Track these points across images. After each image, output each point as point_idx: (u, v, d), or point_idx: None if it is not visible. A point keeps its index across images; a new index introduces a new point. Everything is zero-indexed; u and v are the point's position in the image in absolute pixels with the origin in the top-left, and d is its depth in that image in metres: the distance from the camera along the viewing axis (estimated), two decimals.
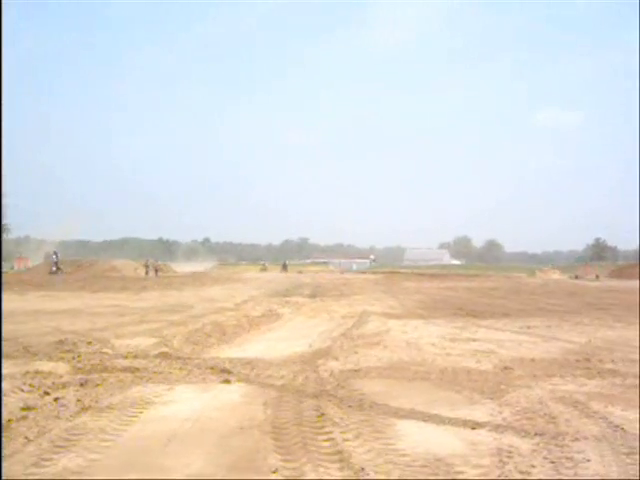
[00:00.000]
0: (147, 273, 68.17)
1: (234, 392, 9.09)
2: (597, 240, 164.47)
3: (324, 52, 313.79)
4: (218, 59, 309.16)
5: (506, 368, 11.01)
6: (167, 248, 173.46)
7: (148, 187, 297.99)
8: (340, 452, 6.24)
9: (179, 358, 11.79)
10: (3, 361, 10.48)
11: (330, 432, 6.92)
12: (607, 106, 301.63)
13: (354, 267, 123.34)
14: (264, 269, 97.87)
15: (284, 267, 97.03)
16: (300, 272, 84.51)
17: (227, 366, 10.95)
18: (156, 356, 11.96)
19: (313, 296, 32.02)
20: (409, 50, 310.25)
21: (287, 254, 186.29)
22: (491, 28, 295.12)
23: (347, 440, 6.63)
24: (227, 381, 9.76)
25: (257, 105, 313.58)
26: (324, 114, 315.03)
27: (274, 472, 5.71)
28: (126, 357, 11.87)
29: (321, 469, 5.76)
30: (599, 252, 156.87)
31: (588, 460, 6.00)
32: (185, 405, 8.31)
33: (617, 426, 7.25)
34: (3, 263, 66.19)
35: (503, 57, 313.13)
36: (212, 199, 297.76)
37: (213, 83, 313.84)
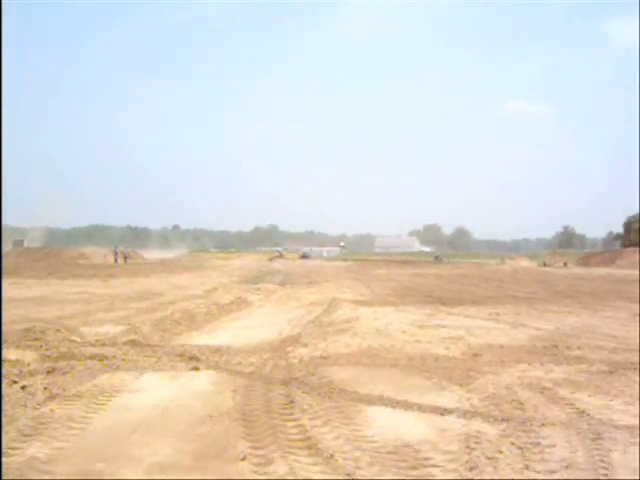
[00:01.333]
0: (116, 260, 67.66)
1: (203, 380, 9.07)
2: (565, 228, 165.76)
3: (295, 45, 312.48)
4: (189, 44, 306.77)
5: (475, 355, 11.08)
6: (137, 235, 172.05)
7: (118, 174, 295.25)
8: (309, 439, 6.25)
9: (148, 346, 11.74)
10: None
11: (299, 419, 6.94)
12: (577, 98, 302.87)
13: (324, 254, 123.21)
14: (279, 256, 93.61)
15: (303, 256, 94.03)
16: (270, 259, 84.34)
17: (196, 353, 10.93)
18: (124, 344, 11.89)
19: (283, 283, 32.02)
20: (377, 44, 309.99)
21: (257, 241, 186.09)
22: (462, 20, 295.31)
23: (316, 427, 6.65)
24: (196, 368, 9.73)
25: (228, 93, 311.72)
26: (292, 102, 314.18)
27: (242, 459, 5.71)
28: (94, 345, 11.80)
29: (290, 456, 5.77)
30: (567, 240, 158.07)
31: (554, 445, 6.06)
32: (153, 393, 8.27)
33: (583, 412, 7.33)
34: None
35: (471, 49, 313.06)
36: (181, 186, 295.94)
37: (183, 71, 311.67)
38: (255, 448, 5.99)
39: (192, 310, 17.82)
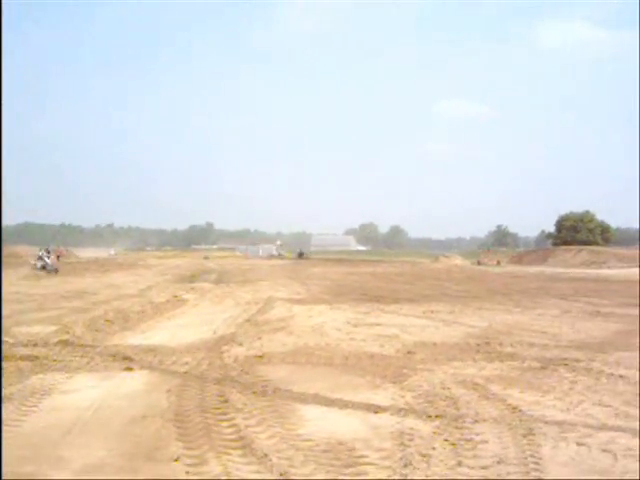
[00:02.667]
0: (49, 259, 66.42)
1: (137, 380, 8.99)
2: (499, 227, 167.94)
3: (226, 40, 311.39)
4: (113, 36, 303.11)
5: (409, 352, 11.17)
6: (70, 233, 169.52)
7: (51, 171, 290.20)
8: (243, 438, 6.24)
9: (80, 346, 11.58)
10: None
11: (233, 418, 6.92)
12: (512, 98, 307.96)
13: (261, 252, 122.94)
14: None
15: (300, 255, 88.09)
16: (206, 258, 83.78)
17: (129, 353, 10.82)
18: (56, 344, 11.72)
19: (219, 282, 31.84)
20: (314, 42, 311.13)
21: (193, 239, 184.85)
22: (396, 19, 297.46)
23: (250, 426, 6.64)
24: (129, 369, 9.64)
25: (159, 90, 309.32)
26: (228, 97, 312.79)
27: (176, 460, 5.67)
28: (26, 345, 11.60)
29: (224, 456, 5.75)
30: (501, 239, 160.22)
31: (486, 442, 6.14)
32: (86, 394, 8.17)
33: (515, 408, 7.45)
34: None
35: (407, 48, 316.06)
36: (116, 183, 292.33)
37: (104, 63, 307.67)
38: (189, 448, 5.96)
39: (126, 309, 17.65)
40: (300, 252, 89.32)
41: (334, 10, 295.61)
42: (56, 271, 39.35)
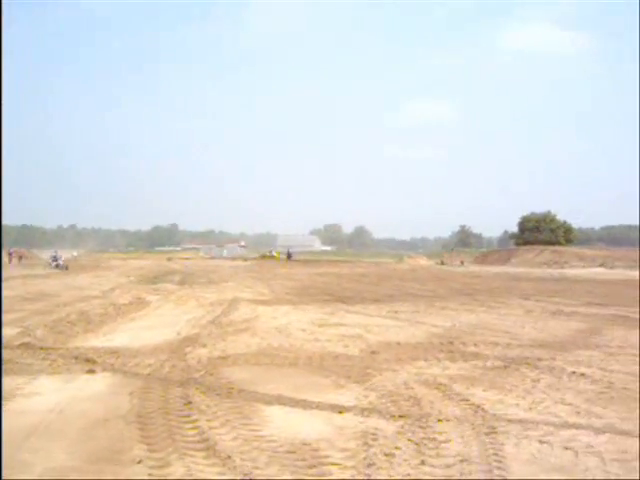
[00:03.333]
0: (10, 261, 65.75)
1: (99, 382, 8.89)
2: (462, 227, 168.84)
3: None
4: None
5: (373, 352, 11.19)
6: (32, 235, 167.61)
7: (11, 171, 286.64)
8: (206, 440, 6.19)
9: (42, 348, 11.42)
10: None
11: (197, 420, 6.87)
12: (476, 100, 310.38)
13: (225, 253, 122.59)
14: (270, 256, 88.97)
15: (289, 256, 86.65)
16: (170, 259, 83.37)
17: (92, 356, 10.70)
18: (18, 346, 11.55)
19: (182, 283, 31.70)
20: (276, 44, 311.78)
21: (157, 240, 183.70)
22: (357, 21, 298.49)
23: (214, 428, 6.60)
24: (92, 371, 9.53)
25: (124, 91, 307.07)
26: (192, 98, 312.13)
27: (138, 462, 5.61)
28: None
29: (187, 458, 5.70)
30: (464, 239, 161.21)
31: (450, 441, 6.16)
32: (48, 397, 8.05)
33: (478, 407, 7.49)
34: None
35: (373, 50, 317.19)
36: (80, 185, 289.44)
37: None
38: (152, 451, 5.90)
39: (89, 311, 17.48)
40: (289, 253, 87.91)
41: (291, 12, 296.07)
42: None
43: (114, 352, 11.10)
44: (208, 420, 6.88)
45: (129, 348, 11.55)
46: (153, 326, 15.06)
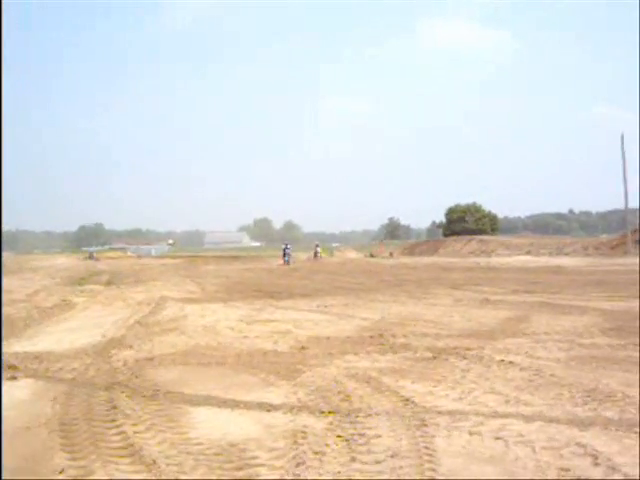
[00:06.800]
0: None
1: (21, 389, 8.60)
2: (391, 219, 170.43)
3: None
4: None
5: (302, 348, 11.11)
6: None
7: None
8: (132, 445, 6.02)
9: None
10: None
11: (121, 425, 6.68)
12: (400, 95, 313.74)
13: (153, 252, 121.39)
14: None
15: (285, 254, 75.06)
16: (90, 258, 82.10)
17: (14, 361, 10.38)
18: None
19: (109, 283, 31.20)
20: (201, 37, 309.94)
21: (83, 241, 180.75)
22: (281, 17, 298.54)
23: (139, 432, 6.42)
24: (13, 378, 9.22)
25: (49, 92, 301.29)
26: (115, 97, 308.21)
27: (60, 472, 5.42)
28: None
29: (111, 465, 5.53)
30: (393, 231, 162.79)
31: (380, 436, 6.10)
32: None
33: (408, 400, 7.45)
34: None
35: (294, 46, 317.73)
36: (2, 185, 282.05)
37: None
38: (74, 459, 5.70)
39: (11, 315, 17.05)
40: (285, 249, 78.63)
41: (213, 8, 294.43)
42: None
43: (37, 357, 10.80)
44: (133, 424, 6.69)
45: (53, 352, 11.25)
46: (78, 328, 14.72)
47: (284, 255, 57.40)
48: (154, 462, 5.53)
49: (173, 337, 12.63)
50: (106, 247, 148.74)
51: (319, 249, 69.47)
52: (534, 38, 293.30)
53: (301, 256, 73.31)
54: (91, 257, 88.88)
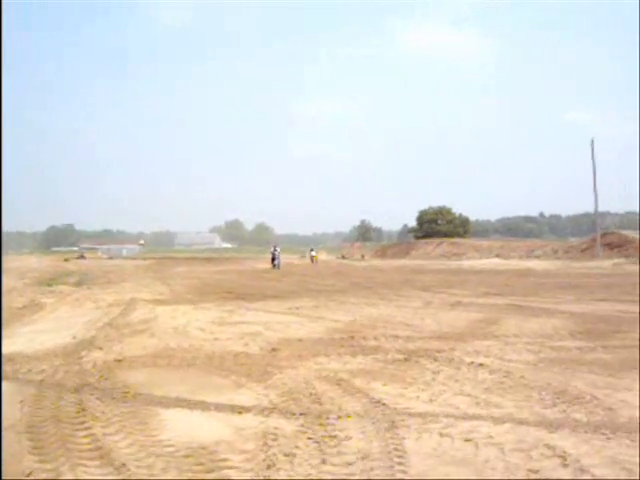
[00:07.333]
0: None
1: None
2: (362, 222, 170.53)
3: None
4: None
5: (273, 350, 11.09)
6: None
7: None
8: (100, 448, 5.96)
9: None
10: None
11: (91, 427, 6.62)
12: (376, 97, 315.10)
13: (124, 253, 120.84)
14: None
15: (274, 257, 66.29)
16: (67, 260, 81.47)
17: None
18: None
19: (80, 284, 30.98)
20: (174, 38, 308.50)
21: (53, 241, 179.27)
22: (261, 20, 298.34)
23: (109, 434, 6.36)
24: None
25: (10, 90, 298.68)
26: (85, 96, 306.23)
27: (28, 475, 5.36)
28: None
29: (79, 468, 5.47)
30: (364, 233, 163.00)
31: (350, 438, 6.10)
32: None
33: (378, 401, 7.46)
34: None
35: (271, 49, 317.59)
36: None
37: None
38: (42, 462, 5.64)
39: None
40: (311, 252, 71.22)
41: (196, 7, 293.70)
42: None
43: (5, 359, 10.68)
44: (103, 427, 6.63)
45: (22, 354, 11.13)
46: (48, 330, 14.58)
47: (273, 259, 53.60)
48: (124, 464, 5.49)
49: (143, 339, 12.56)
50: (76, 248, 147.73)
51: (314, 253, 68.36)
52: (506, 43, 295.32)
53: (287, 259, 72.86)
54: (82, 257, 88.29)
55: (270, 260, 54.42)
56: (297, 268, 50.58)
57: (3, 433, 6.39)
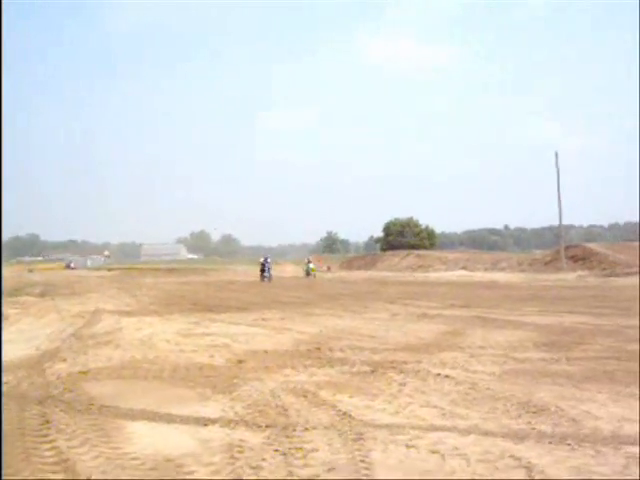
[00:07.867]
0: None
1: None
2: (329, 233, 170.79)
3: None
4: None
5: (240, 362, 11.05)
6: None
7: None
8: (65, 461, 5.89)
9: None
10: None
11: (55, 440, 6.53)
12: (339, 107, 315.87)
13: (89, 263, 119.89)
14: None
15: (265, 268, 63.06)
16: (31, 270, 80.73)
17: None
18: None
19: (44, 295, 30.71)
20: (139, 44, 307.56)
21: (17, 251, 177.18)
22: (225, 27, 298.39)
23: (73, 447, 6.29)
24: None
25: None
26: (51, 99, 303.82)
27: None
28: None
29: None
30: (331, 245, 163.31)
31: (317, 450, 6.09)
32: None
33: (345, 413, 7.45)
34: None
35: (235, 58, 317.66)
36: None
37: None
38: (5, 475, 5.55)
39: None
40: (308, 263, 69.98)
41: (158, 11, 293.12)
42: None
43: None
44: (67, 439, 6.56)
45: None
46: (11, 341, 14.39)
47: (263, 270, 49.85)
48: (88, 478, 5.44)
49: (108, 350, 12.46)
50: (40, 258, 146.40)
51: (312, 265, 67.31)
52: (467, 53, 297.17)
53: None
54: (69, 266, 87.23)
55: (259, 272, 50.84)
56: (284, 281, 50.42)
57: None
